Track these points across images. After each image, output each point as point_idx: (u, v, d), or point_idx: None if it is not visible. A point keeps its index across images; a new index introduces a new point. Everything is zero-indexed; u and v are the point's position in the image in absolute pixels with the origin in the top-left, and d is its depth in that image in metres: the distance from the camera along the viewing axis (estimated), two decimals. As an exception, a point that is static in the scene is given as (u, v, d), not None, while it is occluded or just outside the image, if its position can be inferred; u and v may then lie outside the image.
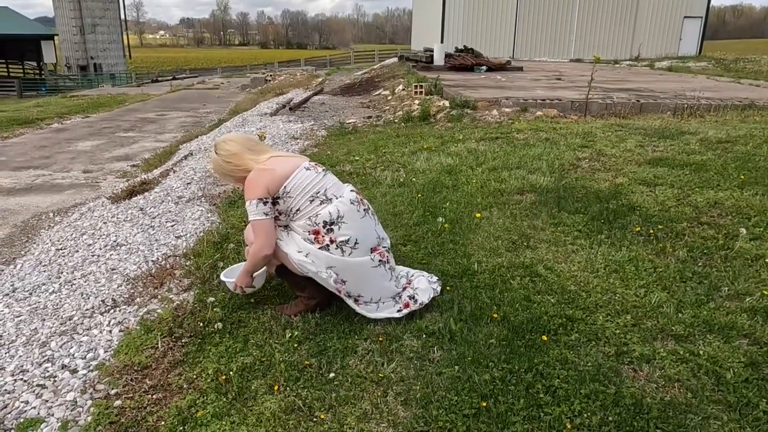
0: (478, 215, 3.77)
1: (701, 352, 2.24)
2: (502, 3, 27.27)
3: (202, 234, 3.90)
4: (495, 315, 2.53)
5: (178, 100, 16.73)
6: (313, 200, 2.48)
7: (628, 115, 6.91)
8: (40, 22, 51.64)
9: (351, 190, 2.61)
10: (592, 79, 6.98)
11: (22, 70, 43.13)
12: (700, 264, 2.99)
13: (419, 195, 4.20)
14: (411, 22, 42.37)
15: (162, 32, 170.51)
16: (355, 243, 2.49)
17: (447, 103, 7.72)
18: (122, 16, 46.77)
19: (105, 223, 4.53)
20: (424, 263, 3.14)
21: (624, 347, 2.30)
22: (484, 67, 14.64)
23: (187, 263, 3.44)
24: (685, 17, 27.45)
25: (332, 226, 2.47)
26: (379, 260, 2.58)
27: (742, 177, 4.23)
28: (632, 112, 7.08)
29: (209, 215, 4.32)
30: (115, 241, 4.07)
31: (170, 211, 4.50)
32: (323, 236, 2.48)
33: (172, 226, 4.19)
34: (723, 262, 3.00)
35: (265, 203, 2.45)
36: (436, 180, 4.58)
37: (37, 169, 7.56)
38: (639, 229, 3.44)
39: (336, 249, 2.47)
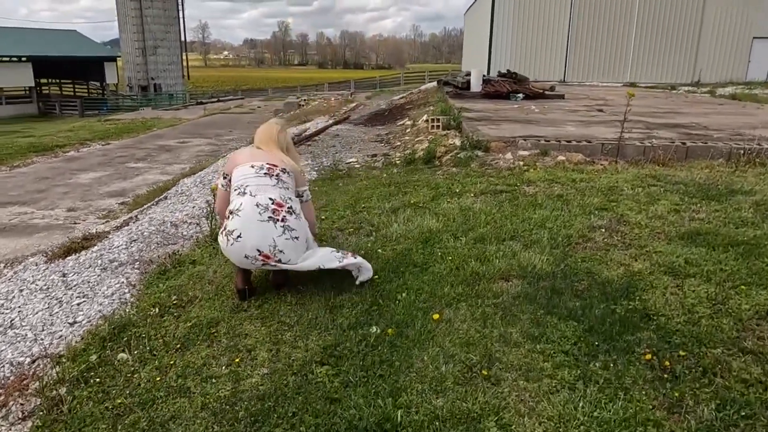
0: (435, 316, 2.87)
1: None
2: (553, 23, 26.09)
3: (98, 321, 3.20)
4: None
5: (207, 125, 16.53)
6: (236, 190, 3.02)
7: (669, 161, 5.77)
8: (112, 43, 54.10)
9: (269, 197, 2.96)
10: (626, 119, 5.89)
11: (87, 90, 45.28)
12: (732, 436, 1.98)
13: (375, 277, 3.34)
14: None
15: (226, 52, 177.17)
16: (238, 236, 2.90)
17: (458, 142, 6.82)
18: (182, 38, 48.34)
19: (21, 290, 3.93)
20: (336, 398, 2.28)
21: None
22: (521, 95, 13.59)
23: (54, 370, 2.72)
24: (754, 38, 25.27)
25: (230, 215, 2.96)
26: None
27: (810, 269, 3.13)
28: (675, 157, 5.92)
29: (126, 291, 3.62)
30: (11, 322, 3.44)
31: (89, 282, 3.84)
32: (226, 221, 3.00)
33: (78, 304, 3.52)
34: (769, 435, 1.98)
35: (225, 178, 3.19)
36: (405, 253, 3.71)
37: (22, 206, 7.22)
38: (650, 357, 2.44)
39: (223, 237, 2.98)
